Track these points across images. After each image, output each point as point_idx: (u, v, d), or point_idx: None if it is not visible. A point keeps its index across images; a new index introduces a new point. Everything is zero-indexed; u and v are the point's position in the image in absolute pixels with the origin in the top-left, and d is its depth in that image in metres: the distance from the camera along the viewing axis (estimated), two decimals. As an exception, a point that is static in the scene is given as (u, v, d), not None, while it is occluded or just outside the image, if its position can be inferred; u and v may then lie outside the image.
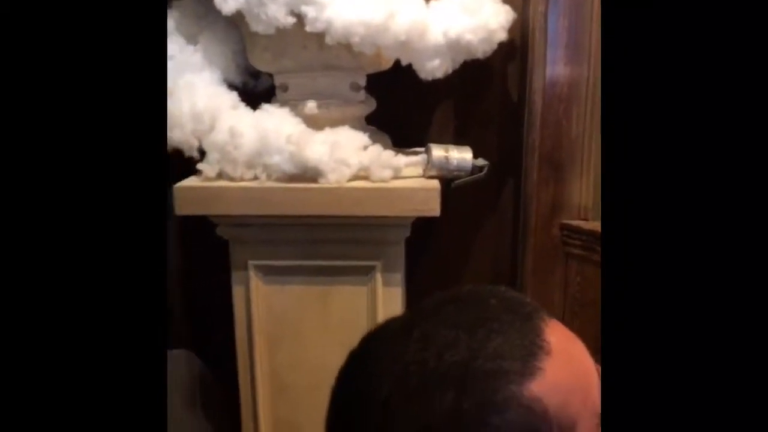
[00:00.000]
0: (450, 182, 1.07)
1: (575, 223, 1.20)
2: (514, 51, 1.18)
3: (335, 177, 1.02)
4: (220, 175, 1.04)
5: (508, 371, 0.38)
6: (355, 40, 0.95)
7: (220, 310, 1.17)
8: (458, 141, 1.23)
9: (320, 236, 1.07)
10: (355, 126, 1.10)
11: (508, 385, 0.38)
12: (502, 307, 0.42)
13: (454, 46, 0.99)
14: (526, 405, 0.38)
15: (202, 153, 1.04)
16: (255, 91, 1.18)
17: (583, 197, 1.20)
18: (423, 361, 0.39)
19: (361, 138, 1.05)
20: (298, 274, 1.11)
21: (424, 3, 0.99)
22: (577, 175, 1.19)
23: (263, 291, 1.12)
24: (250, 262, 1.10)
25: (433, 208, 1.01)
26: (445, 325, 0.41)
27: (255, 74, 1.18)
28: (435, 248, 1.28)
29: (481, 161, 1.06)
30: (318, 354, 1.11)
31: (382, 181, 1.03)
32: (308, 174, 1.02)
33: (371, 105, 1.14)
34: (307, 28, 0.95)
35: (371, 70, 1.10)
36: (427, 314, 0.43)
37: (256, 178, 1.03)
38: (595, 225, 1.18)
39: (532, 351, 0.39)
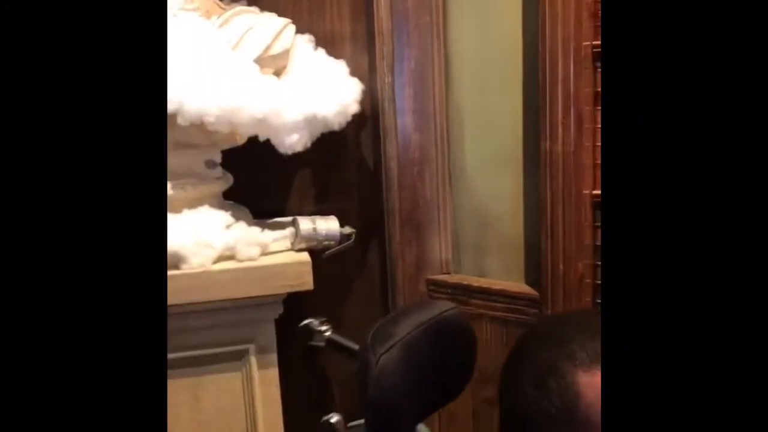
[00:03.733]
0: (319, 253, 1.06)
1: (440, 277, 1.25)
2: (365, 120, 1.23)
3: (199, 261, 0.96)
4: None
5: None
6: (209, 120, 0.92)
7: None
8: (319, 208, 1.24)
9: (186, 325, 1.00)
10: (213, 204, 1.05)
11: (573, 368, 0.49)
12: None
13: (311, 120, 1.00)
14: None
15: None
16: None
17: (443, 253, 1.26)
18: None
19: (223, 217, 1.01)
20: (163, 369, 1.02)
21: (277, 80, 0.99)
22: (436, 232, 1.25)
23: (124, 393, 1.00)
24: (107, 364, 0.99)
25: (307, 282, 0.99)
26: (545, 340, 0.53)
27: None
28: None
29: (347, 229, 1.07)
30: (194, 454, 1.02)
31: (250, 259, 0.99)
32: (169, 261, 0.95)
33: (228, 181, 1.11)
34: (157, 110, 0.90)
35: (226, 147, 1.07)
36: (540, 328, 0.59)
37: (108, 270, 0.94)
38: (459, 278, 1.23)
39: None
